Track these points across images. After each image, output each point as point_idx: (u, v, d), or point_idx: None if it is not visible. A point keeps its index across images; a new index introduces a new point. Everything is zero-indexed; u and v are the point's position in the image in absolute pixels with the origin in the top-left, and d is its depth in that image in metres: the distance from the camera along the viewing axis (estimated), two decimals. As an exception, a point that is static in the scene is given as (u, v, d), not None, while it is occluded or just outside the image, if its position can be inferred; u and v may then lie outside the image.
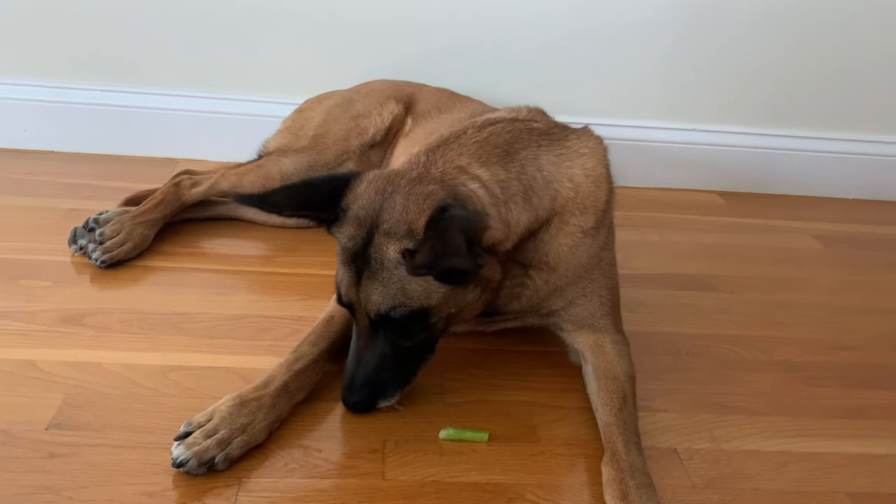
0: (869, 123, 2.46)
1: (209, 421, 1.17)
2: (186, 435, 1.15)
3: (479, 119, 1.36)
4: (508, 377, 1.44)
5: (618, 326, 1.43)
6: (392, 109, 1.90)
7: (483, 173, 1.23)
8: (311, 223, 1.25)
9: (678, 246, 2.08)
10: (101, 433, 1.19)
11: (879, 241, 2.26)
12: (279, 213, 1.27)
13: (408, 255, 1.14)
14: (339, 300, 1.25)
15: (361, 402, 1.25)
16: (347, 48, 2.24)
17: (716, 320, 1.71)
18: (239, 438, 1.16)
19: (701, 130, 2.42)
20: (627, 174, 2.31)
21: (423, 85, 2.04)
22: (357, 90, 2.03)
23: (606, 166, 1.38)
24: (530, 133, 1.34)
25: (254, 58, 2.24)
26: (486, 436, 1.27)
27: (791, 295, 1.87)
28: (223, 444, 1.15)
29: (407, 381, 1.29)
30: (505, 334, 1.51)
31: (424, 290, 1.17)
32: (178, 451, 1.12)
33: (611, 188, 1.39)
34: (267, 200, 1.22)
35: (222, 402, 1.20)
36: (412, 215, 1.14)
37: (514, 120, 1.36)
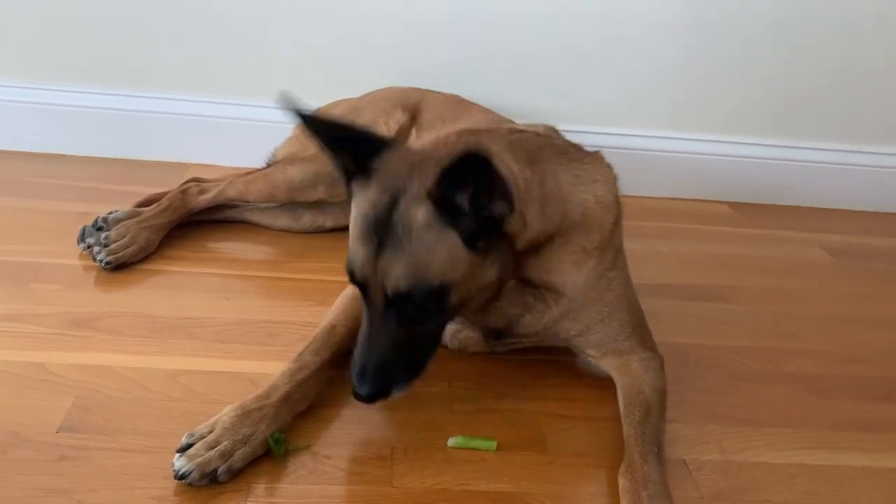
0: (880, 135, 2.46)
1: (211, 432, 1.16)
2: (188, 446, 1.14)
3: (504, 127, 1.36)
4: (517, 386, 1.44)
5: (645, 344, 1.42)
6: (398, 118, 1.90)
7: (512, 164, 1.21)
8: (332, 170, 1.22)
9: (686, 256, 2.08)
10: (111, 437, 1.19)
11: (889, 254, 2.25)
12: (321, 138, 1.21)
13: (435, 190, 1.10)
14: (352, 278, 1.18)
15: (376, 392, 1.18)
16: (358, 55, 2.25)
17: (724, 331, 1.71)
18: (241, 450, 1.15)
19: (710, 141, 2.42)
20: (636, 184, 2.29)
21: (431, 92, 2.04)
22: (365, 98, 2.03)
23: (616, 194, 1.39)
24: (552, 148, 1.34)
25: (266, 63, 2.25)
26: (494, 444, 1.26)
27: (800, 306, 1.87)
28: (225, 455, 1.13)
29: (417, 372, 1.23)
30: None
31: (449, 259, 1.13)
32: (179, 462, 1.11)
33: (619, 213, 1.39)
34: (314, 119, 1.19)
35: (224, 413, 1.19)
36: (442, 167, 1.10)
37: (537, 134, 1.36)
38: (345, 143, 1.20)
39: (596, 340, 1.40)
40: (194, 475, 1.11)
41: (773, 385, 1.54)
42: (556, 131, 1.49)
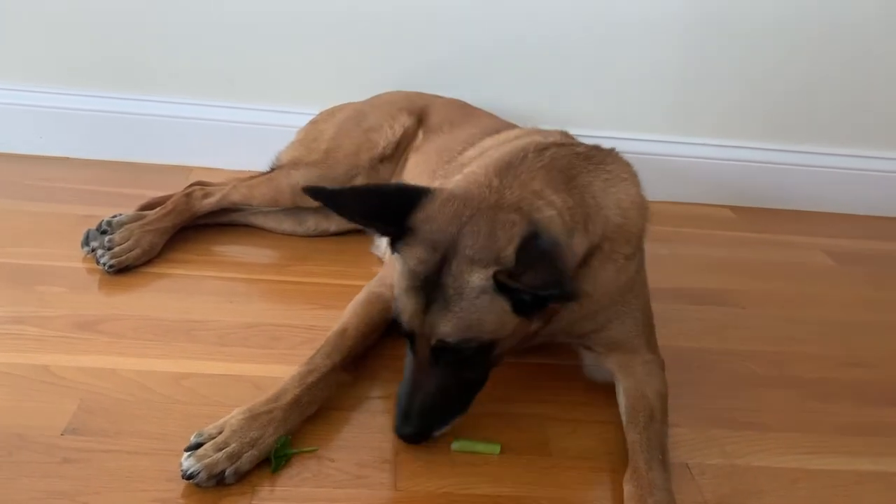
0: (883, 139, 2.46)
1: (220, 433, 1.16)
2: (197, 446, 1.14)
3: (530, 143, 1.34)
4: (521, 389, 1.44)
5: (650, 346, 1.43)
6: (403, 122, 1.91)
7: (556, 199, 1.22)
8: (370, 232, 1.22)
9: (690, 260, 2.08)
10: (115, 439, 1.19)
11: (892, 258, 2.25)
12: (349, 217, 1.23)
13: (504, 277, 1.11)
14: (399, 329, 1.21)
15: (418, 434, 1.21)
16: (359, 58, 2.26)
17: (727, 335, 1.71)
18: (249, 453, 1.15)
19: (713, 145, 2.42)
20: (639, 187, 2.31)
21: (436, 96, 2.05)
22: (370, 102, 2.04)
23: (642, 192, 1.40)
24: (578, 158, 1.34)
25: (269, 67, 2.26)
26: (497, 448, 1.27)
27: (803, 311, 1.87)
28: (233, 457, 1.14)
29: (462, 410, 1.25)
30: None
31: (499, 321, 1.15)
32: (188, 462, 1.12)
33: (648, 214, 1.40)
34: (338, 202, 1.20)
35: (233, 416, 1.19)
36: (501, 243, 1.12)
37: (560, 144, 1.36)
38: (379, 210, 1.19)
39: (606, 337, 1.40)
40: (202, 476, 1.11)
41: (776, 389, 1.54)
42: (568, 136, 1.48)
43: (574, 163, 1.32)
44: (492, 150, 1.46)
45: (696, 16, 2.27)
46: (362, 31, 2.23)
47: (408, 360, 1.24)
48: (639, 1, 2.24)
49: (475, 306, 1.13)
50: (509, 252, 1.11)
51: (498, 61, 2.28)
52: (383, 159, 1.89)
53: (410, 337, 1.21)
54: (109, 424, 1.22)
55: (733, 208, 2.46)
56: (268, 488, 1.14)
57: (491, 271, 1.11)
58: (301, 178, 1.86)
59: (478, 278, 1.12)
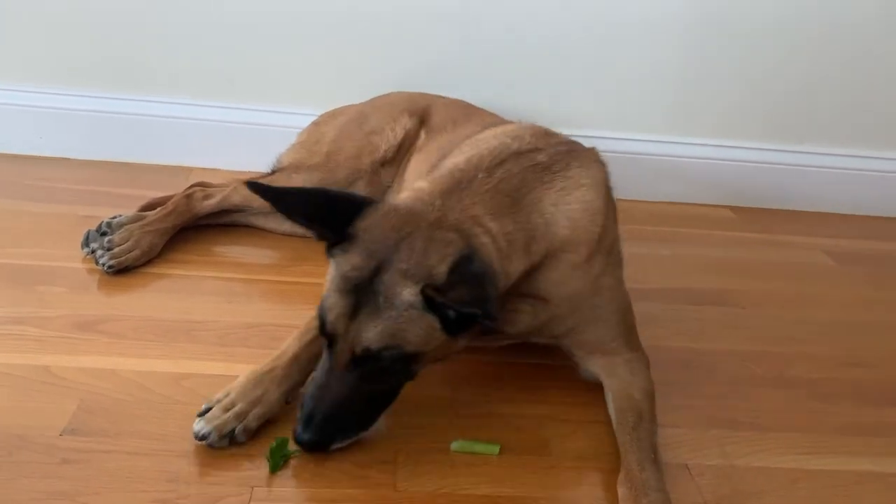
0: (883, 139, 2.46)
1: (227, 396, 1.23)
2: (207, 411, 1.21)
3: (487, 154, 1.32)
4: (520, 390, 1.44)
5: (631, 345, 1.42)
6: (405, 124, 1.90)
7: (494, 226, 1.21)
8: (310, 234, 1.23)
9: (689, 260, 2.08)
10: (114, 440, 1.19)
11: (892, 258, 2.25)
12: (288, 215, 1.24)
13: (431, 291, 1.11)
14: (322, 329, 1.19)
15: (318, 442, 1.19)
16: (359, 59, 2.26)
17: (727, 335, 1.71)
18: (254, 411, 1.22)
19: (713, 145, 2.42)
20: (638, 188, 2.32)
21: (439, 97, 2.05)
22: (372, 104, 2.03)
23: (603, 195, 1.37)
24: (534, 170, 1.31)
25: (270, 67, 2.26)
26: (497, 448, 1.27)
27: (803, 311, 1.87)
28: (240, 416, 1.20)
29: (366, 425, 1.23)
30: (515, 348, 1.50)
31: (426, 335, 1.15)
32: (199, 425, 1.18)
33: (607, 215, 1.37)
34: (281, 200, 1.20)
35: (238, 380, 1.26)
36: (433, 260, 1.12)
37: (519, 154, 1.33)
38: (322, 213, 1.19)
39: (582, 341, 1.40)
40: (213, 436, 1.18)
41: (775, 389, 1.54)
42: (545, 134, 1.45)
43: (527, 179, 1.29)
44: (467, 144, 1.45)
45: (696, 16, 2.27)
46: (362, 31, 2.23)
47: (321, 363, 1.22)
48: (639, 1, 2.24)
49: (403, 317, 1.13)
50: (442, 270, 1.12)
51: (498, 61, 2.28)
52: (385, 163, 1.88)
53: (330, 340, 1.19)
54: (109, 425, 1.22)
55: (733, 208, 2.46)
56: (266, 488, 1.14)
57: (419, 288, 1.12)
58: (302, 181, 1.85)
59: (408, 293, 1.12)
